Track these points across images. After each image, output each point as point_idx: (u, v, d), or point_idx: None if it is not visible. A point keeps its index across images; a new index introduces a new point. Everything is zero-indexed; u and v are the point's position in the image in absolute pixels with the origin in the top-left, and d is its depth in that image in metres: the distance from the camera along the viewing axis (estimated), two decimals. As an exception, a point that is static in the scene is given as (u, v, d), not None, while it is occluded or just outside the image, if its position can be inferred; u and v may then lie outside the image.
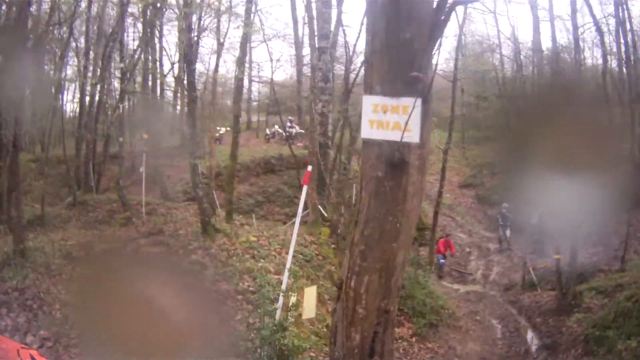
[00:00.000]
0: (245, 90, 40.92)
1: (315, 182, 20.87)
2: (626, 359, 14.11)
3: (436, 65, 7.16)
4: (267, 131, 40.51)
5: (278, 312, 10.59)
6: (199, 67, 35.05)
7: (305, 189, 11.59)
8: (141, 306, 11.09)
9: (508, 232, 28.25)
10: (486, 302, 23.29)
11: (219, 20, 30.92)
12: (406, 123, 6.49)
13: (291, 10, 30.72)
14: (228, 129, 39.57)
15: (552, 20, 28.31)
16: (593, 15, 25.57)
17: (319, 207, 20.63)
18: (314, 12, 24.69)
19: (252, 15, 26.18)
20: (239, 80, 24.88)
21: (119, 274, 13.59)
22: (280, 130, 34.97)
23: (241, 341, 9.78)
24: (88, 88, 32.41)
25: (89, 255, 14.21)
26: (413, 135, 6.56)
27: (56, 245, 16.06)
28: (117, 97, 29.26)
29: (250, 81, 39.08)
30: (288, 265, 11.17)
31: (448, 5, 6.69)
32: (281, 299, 10.78)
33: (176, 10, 25.92)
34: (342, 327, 7.62)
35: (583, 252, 24.79)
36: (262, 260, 17.06)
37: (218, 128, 39.16)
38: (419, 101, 6.49)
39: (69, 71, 35.04)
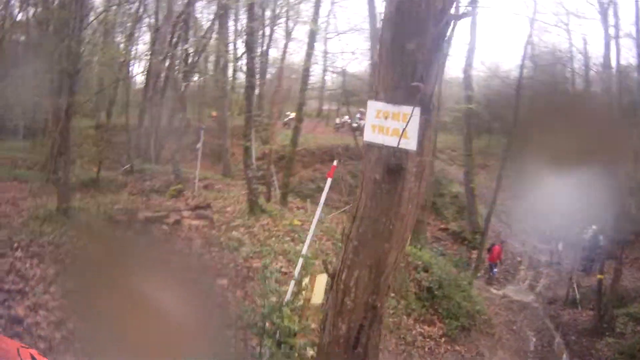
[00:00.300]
0: (319, 79, 41.65)
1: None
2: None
3: (440, 76, 7.62)
4: (337, 121, 41.32)
5: (288, 293, 11.18)
6: (273, 52, 35.56)
7: (329, 181, 12.00)
8: (164, 274, 11.80)
9: (560, 246, 28.16)
10: (527, 313, 23.39)
11: (287, 12, 31.34)
12: (404, 130, 6.95)
13: (368, 5, 30.93)
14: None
15: (617, 37, 27.95)
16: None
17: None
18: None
19: (318, 11, 27.03)
20: (305, 71, 25.56)
21: (156, 242, 14.41)
22: (349, 121, 35.40)
23: (245, 314, 10.28)
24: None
25: (130, 221, 15.01)
26: (410, 143, 6.97)
27: (102, 208, 16.82)
28: (183, 74, 29.92)
29: (325, 70, 39.22)
30: (304, 251, 11.59)
31: (447, 18, 7.11)
32: (292, 283, 11.34)
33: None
34: (331, 316, 8.17)
35: (629, 276, 24.82)
36: (301, 244, 17.33)
37: (287, 113, 40.21)
38: (417, 110, 6.92)
39: (140, 45, 36.26)
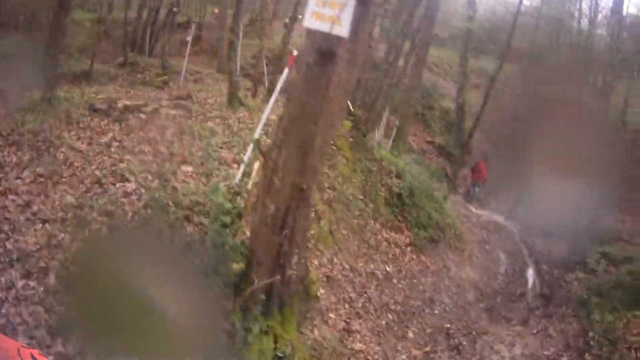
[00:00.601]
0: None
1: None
2: (597, 331, 14.53)
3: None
4: None
5: (237, 176, 11.46)
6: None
7: (285, 71, 12.08)
8: (130, 159, 12.11)
9: (549, 170, 28.13)
10: (502, 234, 23.44)
11: None
12: (337, 17, 7.16)
13: None
14: (300, 16, 40.57)
15: None
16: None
17: (347, 102, 21.14)
18: None
19: None
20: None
21: (129, 130, 14.63)
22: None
23: (189, 194, 10.57)
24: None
25: (109, 109, 15.22)
26: (343, 30, 7.17)
27: (85, 97, 16.97)
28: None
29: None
30: (256, 135, 11.75)
31: None
32: (242, 167, 11.61)
33: None
34: (261, 196, 8.45)
35: (611, 217, 25.02)
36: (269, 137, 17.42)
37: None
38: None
39: None
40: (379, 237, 17.45)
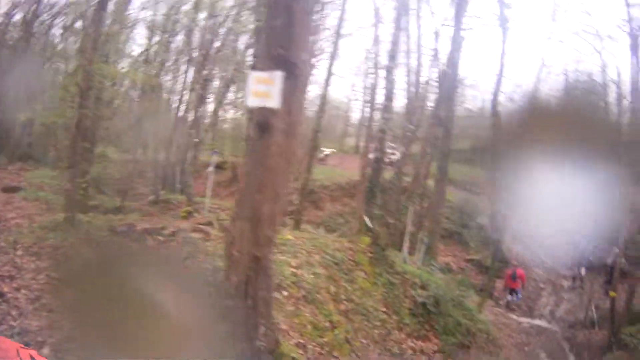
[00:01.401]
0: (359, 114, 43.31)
1: (363, 193, 22.42)
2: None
3: (311, 48, 8.94)
4: (370, 156, 42.34)
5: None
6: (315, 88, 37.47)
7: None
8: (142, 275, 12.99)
9: (583, 271, 28.53)
10: (543, 336, 23.63)
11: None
12: (266, 91, 8.28)
13: (406, 50, 32.72)
14: (334, 150, 42.49)
15: None
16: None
17: (365, 217, 21.81)
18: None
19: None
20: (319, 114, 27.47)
21: (145, 248, 15.55)
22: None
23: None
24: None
25: (128, 231, 16.32)
26: (274, 102, 8.26)
27: (107, 221, 18.13)
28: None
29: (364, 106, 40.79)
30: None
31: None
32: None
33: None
34: (225, 269, 9.26)
35: None
36: (287, 254, 17.97)
37: (323, 149, 42.01)
38: (280, 74, 8.27)
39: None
40: (404, 345, 17.90)
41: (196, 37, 34.45)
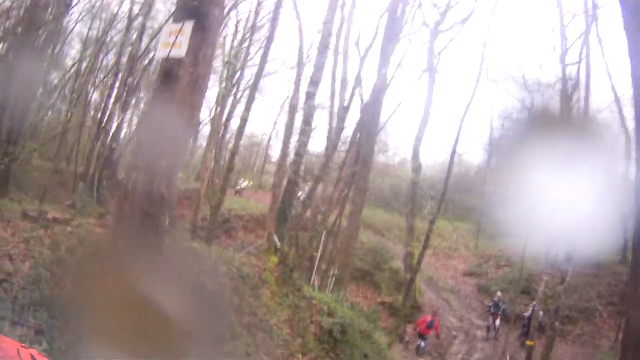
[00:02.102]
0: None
1: (276, 213, 22.49)
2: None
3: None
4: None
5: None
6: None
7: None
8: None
9: (498, 322, 28.45)
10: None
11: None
12: (175, 40, 8.23)
13: (331, 84, 33.33)
14: (251, 182, 43.20)
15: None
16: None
17: (275, 237, 21.81)
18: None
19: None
20: (233, 151, 27.96)
21: (50, 231, 15.33)
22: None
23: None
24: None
25: (39, 217, 16.29)
26: (181, 51, 8.21)
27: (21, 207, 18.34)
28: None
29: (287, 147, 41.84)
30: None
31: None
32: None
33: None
34: (114, 224, 9.03)
35: (569, 351, 25.70)
36: (191, 260, 17.84)
37: (241, 180, 42.78)
38: (189, 24, 8.24)
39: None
40: (307, 370, 17.62)
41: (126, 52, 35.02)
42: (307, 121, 23.86)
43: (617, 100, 24.21)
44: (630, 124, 19.90)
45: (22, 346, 3.85)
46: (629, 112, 21.28)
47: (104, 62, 38.35)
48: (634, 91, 16.14)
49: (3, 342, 3.79)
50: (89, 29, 37.48)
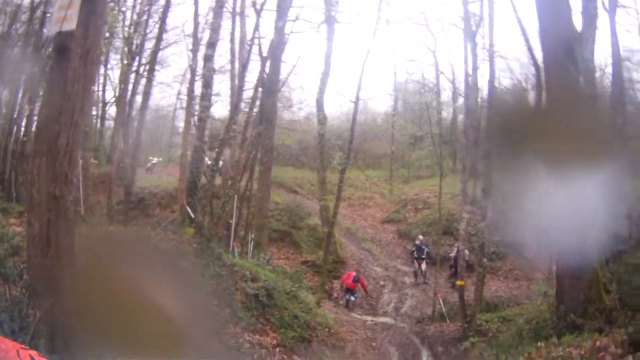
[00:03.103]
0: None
1: (186, 184, 22.32)
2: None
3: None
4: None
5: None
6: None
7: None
8: None
9: (424, 266, 28.98)
10: (390, 332, 23.68)
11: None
12: (66, 13, 8.06)
13: (230, 47, 33.06)
14: (160, 159, 42.89)
15: (492, 58, 29.22)
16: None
17: (187, 208, 21.68)
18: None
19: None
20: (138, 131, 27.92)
21: None
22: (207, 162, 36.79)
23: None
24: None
25: None
26: (71, 24, 8.06)
27: None
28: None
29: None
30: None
31: None
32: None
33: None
34: (27, 216, 8.86)
35: (504, 287, 26.32)
36: None
37: (151, 158, 42.37)
38: None
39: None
40: (241, 339, 17.57)
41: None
42: (207, 85, 23.62)
43: (524, 33, 24.46)
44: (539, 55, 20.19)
45: (22, 347, 3.91)
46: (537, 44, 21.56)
47: (11, 57, 37.52)
48: (540, 21, 16.55)
49: (3, 342, 3.80)
50: (-4, 25, 36.64)
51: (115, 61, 41.36)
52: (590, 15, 16.76)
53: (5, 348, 3.69)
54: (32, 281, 8.45)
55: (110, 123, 47.30)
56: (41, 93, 33.00)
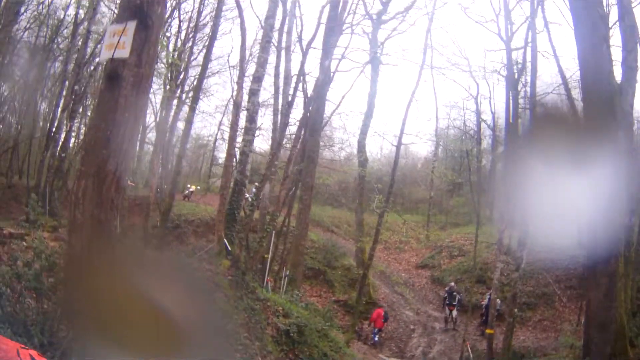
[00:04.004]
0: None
1: (225, 216, 22.44)
2: None
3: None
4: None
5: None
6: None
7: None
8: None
9: (455, 313, 28.83)
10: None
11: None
12: (118, 41, 8.25)
13: (274, 81, 33.21)
14: (198, 187, 43.31)
15: (533, 107, 29.24)
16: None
17: (224, 240, 21.79)
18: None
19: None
20: (180, 155, 28.03)
21: (8, 248, 15.23)
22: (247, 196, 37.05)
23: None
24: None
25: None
26: (124, 52, 8.25)
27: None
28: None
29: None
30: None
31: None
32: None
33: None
34: (68, 235, 8.99)
35: (532, 337, 26.11)
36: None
37: (188, 185, 42.89)
38: (132, 23, 8.28)
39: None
40: (268, 374, 17.68)
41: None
42: (251, 119, 23.83)
43: (565, 83, 24.50)
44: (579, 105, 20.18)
45: (21, 346, 3.89)
46: (577, 94, 21.58)
47: (52, 71, 38.41)
48: (581, 72, 16.58)
49: (2, 342, 3.81)
50: (37, 37, 37.45)
51: (157, 86, 41.96)
52: (630, 67, 16.73)
53: (5, 348, 3.72)
54: (68, 299, 8.52)
55: (148, 147, 47.97)
56: (80, 110, 33.80)
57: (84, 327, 8.27)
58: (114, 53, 8.26)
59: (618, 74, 16.91)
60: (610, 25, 19.42)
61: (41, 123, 38.43)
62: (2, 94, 35.00)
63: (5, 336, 8.07)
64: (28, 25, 35.80)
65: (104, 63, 8.84)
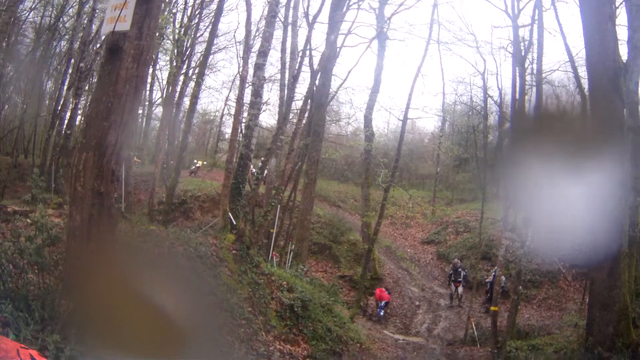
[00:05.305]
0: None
1: (229, 190, 22.38)
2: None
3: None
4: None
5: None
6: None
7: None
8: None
9: (460, 289, 28.96)
10: (421, 352, 23.59)
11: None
12: (119, 14, 8.19)
13: (281, 56, 33.08)
14: (204, 162, 43.29)
15: (539, 84, 29.06)
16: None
17: (229, 214, 21.73)
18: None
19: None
20: (185, 130, 27.97)
21: (12, 225, 15.27)
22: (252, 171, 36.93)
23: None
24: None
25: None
26: (125, 25, 8.20)
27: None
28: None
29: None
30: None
31: None
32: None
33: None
34: (68, 208, 8.98)
35: (536, 315, 26.06)
36: (149, 243, 17.45)
37: (195, 161, 42.83)
38: None
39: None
40: (272, 347, 17.60)
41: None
42: (256, 93, 23.69)
43: (572, 60, 24.31)
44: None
45: (21, 346, 3.90)
46: (584, 72, 21.40)
47: (57, 50, 38.53)
48: (587, 50, 16.43)
49: (3, 342, 3.84)
50: (42, 16, 37.54)
51: (164, 62, 42.04)
52: (635, 46, 16.54)
53: (5, 347, 3.73)
54: (69, 273, 8.49)
55: (155, 123, 48.00)
56: (86, 88, 33.77)
57: (85, 299, 8.28)
58: (115, 26, 8.20)
59: (624, 53, 16.72)
60: (617, 5, 19.22)
61: (47, 102, 38.64)
62: (8, 74, 35.00)
63: (6, 311, 8.07)
64: (34, 6, 35.79)
65: (106, 36, 8.75)
